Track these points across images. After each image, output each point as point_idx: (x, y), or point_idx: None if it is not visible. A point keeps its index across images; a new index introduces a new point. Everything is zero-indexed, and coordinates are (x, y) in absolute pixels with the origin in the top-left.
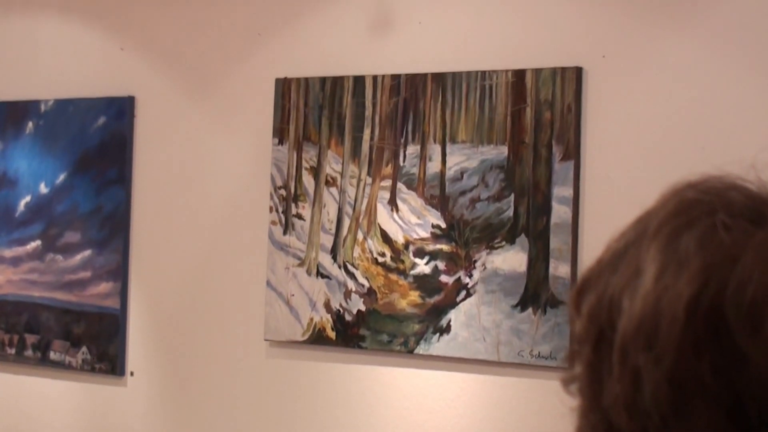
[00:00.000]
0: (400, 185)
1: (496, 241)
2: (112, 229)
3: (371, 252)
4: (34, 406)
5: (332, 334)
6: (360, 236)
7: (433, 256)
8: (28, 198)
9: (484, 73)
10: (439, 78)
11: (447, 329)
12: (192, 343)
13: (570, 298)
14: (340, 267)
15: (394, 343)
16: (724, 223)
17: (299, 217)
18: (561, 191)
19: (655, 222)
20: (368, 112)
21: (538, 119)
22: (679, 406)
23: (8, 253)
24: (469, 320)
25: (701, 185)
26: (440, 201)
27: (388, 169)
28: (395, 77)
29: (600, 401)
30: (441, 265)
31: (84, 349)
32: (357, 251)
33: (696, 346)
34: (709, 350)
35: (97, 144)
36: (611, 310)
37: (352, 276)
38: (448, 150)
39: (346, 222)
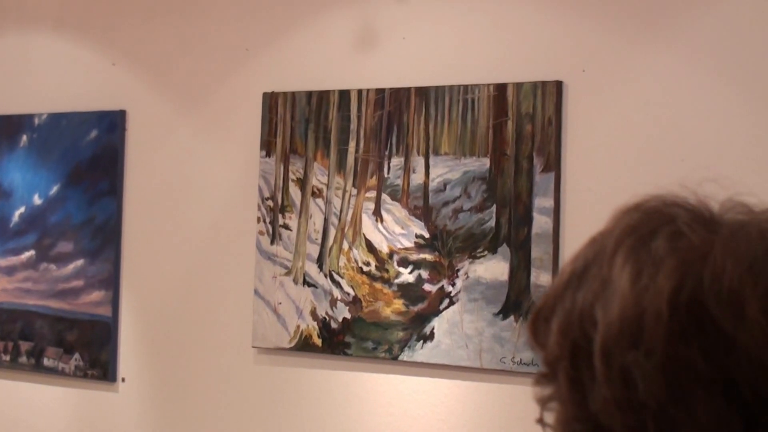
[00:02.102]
0: (384, 196)
1: (479, 250)
2: (103, 239)
3: (356, 261)
4: (28, 411)
5: (318, 342)
6: (345, 246)
7: (417, 265)
8: (22, 209)
9: (466, 87)
10: (423, 92)
11: (430, 337)
12: (182, 350)
13: (528, 325)
14: (326, 276)
15: (378, 350)
16: (689, 226)
17: (286, 227)
18: (542, 202)
19: (612, 240)
20: (353, 126)
21: (519, 132)
22: (677, 394)
23: (3, 262)
24: (452, 328)
25: (645, 205)
26: (424, 212)
27: (372, 181)
28: (380, 91)
29: (585, 408)
30: (424, 274)
31: (77, 355)
32: (342, 260)
33: (683, 336)
34: (697, 338)
35: (90, 156)
36: (583, 323)
37: (338, 285)
38: (431, 162)
39: (332, 232)
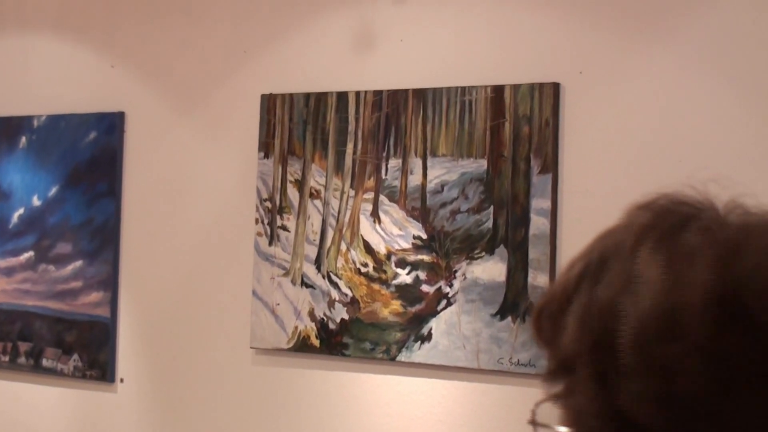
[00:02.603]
0: (382, 198)
1: (476, 251)
2: (102, 241)
3: (354, 262)
4: (26, 412)
5: (316, 342)
6: (343, 247)
7: (415, 266)
8: (21, 210)
9: (463, 88)
10: (420, 94)
11: (428, 337)
12: (180, 351)
13: (532, 322)
14: (324, 277)
15: (376, 350)
16: (715, 221)
17: (284, 228)
18: (539, 203)
19: (632, 234)
20: (351, 127)
21: (516, 133)
22: (723, 386)
23: (2, 263)
24: (449, 329)
25: (656, 203)
26: (421, 213)
27: (370, 182)
28: (377, 93)
29: (609, 403)
30: (422, 275)
31: (75, 356)
32: (340, 262)
33: (724, 328)
34: (738, 331)
35: (88, 158)
36: (606, 317)
37: (336, 286)
38: (428, 163)
39: (330, 233)
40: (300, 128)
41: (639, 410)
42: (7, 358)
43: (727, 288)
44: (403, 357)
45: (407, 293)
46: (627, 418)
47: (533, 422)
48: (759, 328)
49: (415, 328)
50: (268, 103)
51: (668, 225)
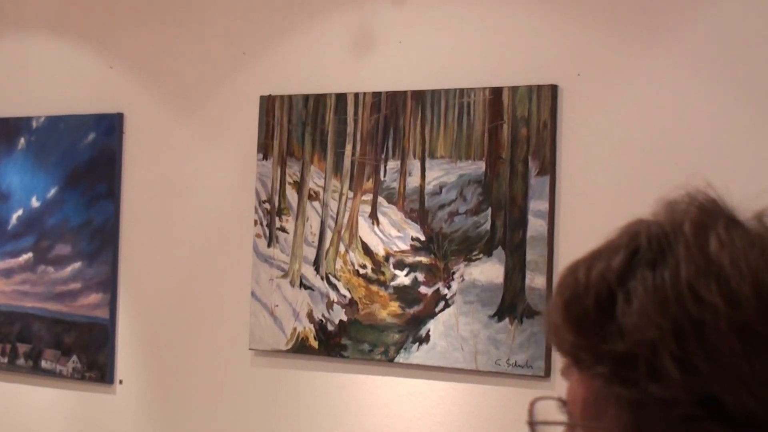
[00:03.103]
0: (380, 199)
1: (474, 253)
2: (101, 242)
3: (353, 264)
4: (25, 413)
5: (315, 344)
6: (342, 249)
7: (413, 268)
8: (20, 212)
9: (462, 90)
10: (419, 95)
11: (426, 339)
12: (179, 352)
13: (561, 313)
14: (322, 278)
15: (374, 352)
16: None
17: (283, 230)
18: (537, 205)
19: (691, 220)
20: (350, 129)
21: (514, 135)
22: None
23: (1, 264)
24: (447, 330)
25: (690, 198)
26: (420, 214)
27: (369, 184)
28: (376, 95)
29: (697, 386)
30: (420, 276)
31: (74, 357)
32: (339, 263)
33: None
34: None
35: (87, 159)
36: (685, 300)
37: (334, 287)
38: (427, 165)
39: (329, 235)
40: (299, 130)
41: (733, 393)
42: (6, 360)
43: None
44: (401, 358)
45: (405, 295)
46: (716, 403)
47: (531, 422)
48: None
49: (414, 329)
50: (267, 104)
51: (726, 215)
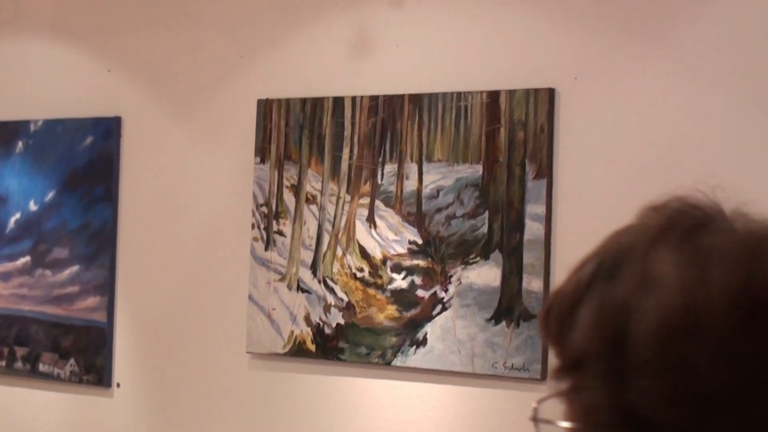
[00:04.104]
0: (378, 203)
1: (471, 256)
2: (99, 245)
3: (350, 267)
4: (23, 417)
5: (312, 347)
6: (339, 252)
7: (410, 271)
8: (18, 215)
9: (459, 94)
10: (416, 99)
11: (423, 342)
12: (177, 355)
13: (540, 320)
14: (319, 282)
15: (372, 355)
16: (731, 224)
17: (280, 233)
18: (534, 209)
19: (648, 235)
20: (347, 132)
21: (511, 139)
22: (747, 385)
23: None
24: (444, 333)
25: (670, 205)
26: (417, 218)
27: (366, 187)
28: (373, 98)
29: (620, 399)
30: (417, 280)
31: (72, 361)
32: (336, 266)
33: (747, 327)
34: (761, 330)
35: (85, 163)
36: (622, 315)
37: (332, 290)
38: (424, 168)
39: (326, 238)
40: (296, 133)
41: (652, 407)
42: (3, 363)
43: (749, 289)
44: (398, 361)
45: (403, 298)
46: (638, 414)
47: (535, 419)
48: None
49: (411, 332)
50: (265, 108)
51: (685, 227)
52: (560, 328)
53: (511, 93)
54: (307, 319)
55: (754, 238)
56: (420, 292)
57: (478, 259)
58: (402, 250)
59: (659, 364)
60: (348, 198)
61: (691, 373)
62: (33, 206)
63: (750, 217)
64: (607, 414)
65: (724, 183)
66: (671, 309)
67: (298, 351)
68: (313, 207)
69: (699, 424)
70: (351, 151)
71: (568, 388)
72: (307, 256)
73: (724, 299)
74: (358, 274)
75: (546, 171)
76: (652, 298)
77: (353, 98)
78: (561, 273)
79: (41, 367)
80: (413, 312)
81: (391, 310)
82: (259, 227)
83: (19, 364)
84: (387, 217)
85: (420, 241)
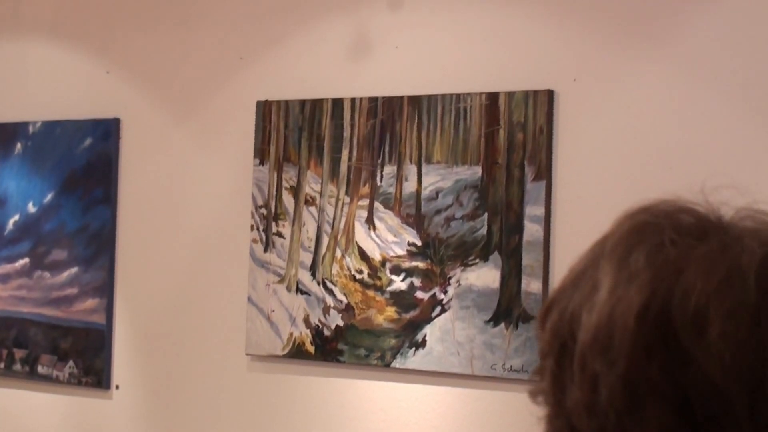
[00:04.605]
0: (377, 204)
1: (470, 258)
2: (98, 247)
3: (349, 269)
4: (22, 419)
5: (311, 349)
6: (338, 254)
7: (409, 273)
8: (16, 217)
9: (458, 95)
10: (415, 101)
11: (422, 344)
12: (176, 357)
13: (538, 318)
14: (319, 284)
15: (371, 357)
16: (672, 239)
17: (279, 235)
18: (533, 210)
19: (610, 243)
20: (346, 134)
21: (511, 140)
22: (633, 405)
23: None
24: (443, 335)
25: (653, 209)
26: (416, 220)
27: (365, 189)
28: (372, 100)
29: (564, 407)
30: (417, 281)
31: (71, 363)
32: (335, 268)
33: (647, 349)
34: (659, 353)
35: (84, 164)
36: (572, 323)
37: (331, 292)
38: (423, 170)
39: (325, 240)
40: (295, 135)
41: (578, 419)
42: (2, 365)
43: (658, 310)
44: (397, 363)
45: (402, 300)
46: (572, 424)
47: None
48: (682, 353)
49: (410, 334)
50: (264, 109)
51: (634, 240)
52: (538, 334)
53: (510, 95)
54: (307, 321)
55: (682, 256)
56: (419, 294)
57: (477, 260)
58: (401, 251)
59: (581, 377)
60: (347, 200)
61: (600, 386)
62: (32, 208)
63: (763, 216)
64: (556, 419)
65: (724, 184)
66: (596, 323)
67: (297, 353)
68: (313, 209)
69: None
70: (350, 152)
71: (534, 390)
72: (307, 258)
73: (632, 319)
74: (358, 276)
75: (545, 172)
76: (589, 311)
77: (352, 100)
78: (560, 274)
79: (40, 369)
80: (412, 314)
81: (391, 311)
82: (258, 229)
83: (17, 366)
84: (386, 218)
85: (419, 243)
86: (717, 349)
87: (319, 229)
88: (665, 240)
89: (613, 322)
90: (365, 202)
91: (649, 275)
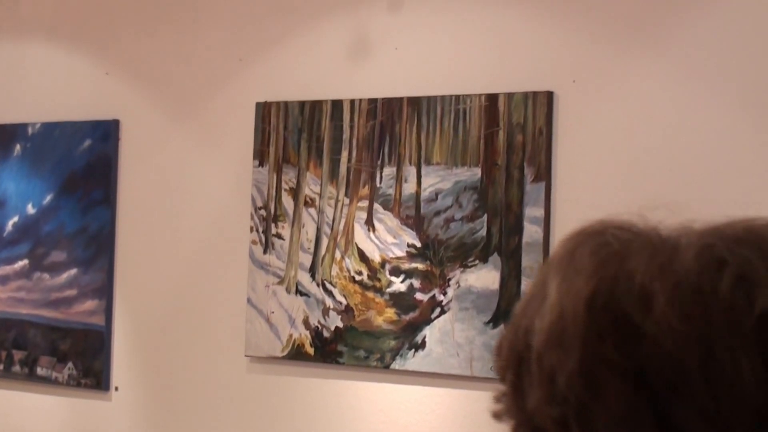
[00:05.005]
0: (376, 206)
1: (470, 259)
2: (97, 249)
3: (348, 270)
4: (21, 421)
5: (311, 350)
6: (338, 255)
7: (409, 274)
8: (15, 218)
9: (458, 97)
10: (415, 102)
11: (422, 345)
12: (175, 359)
13: (494, 350)
14: (318, 285)
15: (370, 358)
16: (614, 235)
17: (279, 236)
18: (532, 212)
19: (555, 259)
20: (346, 135)
21: (510, 142)
22: (591, 386)
23: None
24: (443, 336)
25: (591, 226)
26: (415, 221)
27: (365, 190)
28: (372, 101)
29: (526, 411)
30: (416, 283)
31: (70, 364)
32: (335, 270)
33: (599, 333)
34: (611, 334)
35: (83, 166)
36: (527, 335)
37: (330, 294)
38: (423, 171)
39: (324, 241)
40: (295, 136)
41: (541, 415)
42: (1, 367)
43: (606, 295)
44: (397, 365)
45: (401, 301)
46: (536, 425)
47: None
48: (632, 329)
49: (409, 336)
50: (263, 111)
51: (574, 245)
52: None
53: (509, 96)
54: (306, 323)
55: (624, 246)
56: (419, 296)
57: (476, 262)
58: (401, 253)
59: (540, 373)
60: (347, 201)
61: (557, 378)
62: (31, 209)
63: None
64: (518, 426)
65: (723, 186)
66: (547, 323)
67: (296, 354)
68: (312, 210)
69: (566, 429)
70: (350, 154)
71: (498, 410)
72: (306, 260)
73: (582, 306)
74: (357, 278)
75: (544, 174)
76: (542, 317)
77: (352, 101)
78: None
79: (39, 371)
80: (412, 315)
81: (390, 313)
82: (257, 230)
83: (17, 368)
84: (386, 220)
85: (419, 244)
86: (666, 320)
87: (318, 230)
88: (608, 238)
89: (564, 315)
90: (365, 203)
91: (594, 266)
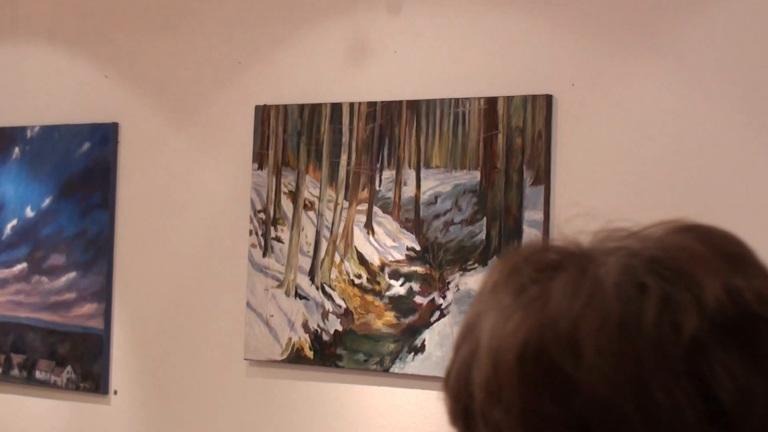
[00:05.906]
0: (375, 209)
1: (469, 263)
2: (96, 252)
3: (348, 274)
4: (20, 424)
5: (310, 354)
6: (337, 258)
7: (408, 277)
8: (14, 221)
9: (457, 100)
10: (414, 105)
11: (421, 349)
12: (174, 362)
13: (443, 381)
14: (317, 288)
15: (370, 362)
16: (531, 278)
17: (278, 240)
18: (531, 215)
19: (484, 295)
20: (345, 138)
21: (509, 145)
22: None
23: None
24: (442, 340)
25: (516, 255)
26: (415, 224)
27: (364, 194)
28: (371, 104)
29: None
30: (416, 286)
31: (69, 368)
32: (334, 273)
33: (535, 386)
34: (547, 386)
35: (82, 169)
36: (467, 384)
37: (330, 297)
38: (422, 175)
39: (324, 245)
40: (294, 139)
41: None
42: (0, 370)
43: (535, 346)
44: (396, 368)
45: (401, 304)
46: None
47: None
48: (566, 380)
49: (409, 339)
50: (263, 114)
51: (500, 277)
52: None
53: (508, 99)
54: (305, 326)
55: (544, 288)
56: (418, 299)
57: (476, 265)
58: (400, 256)
59: (486, 429)
60: (346, 204)
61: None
62: (29, 213)
63: (623, 233)
64: None
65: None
66: (484, 377)
67: (296, 358)
68: (311, 213)
69: None
70: (349, 157)
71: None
72: (305, 263)
73: (510, 363)
74: (356, 281)
75: (543, 177)
76: (478, 367)
77: (351, 104)
78: None
79: (38, 375)
80: (411, 318)
81: (389, 316)
82: (256, 234)
83: (15, 372)
84: (385, 223)
85: (418, 248)
86: (596, 367)
87: (317, 233)
88: (525, 281)
89: (498, 368)
90: (364, 206)
91: (519, 314)
